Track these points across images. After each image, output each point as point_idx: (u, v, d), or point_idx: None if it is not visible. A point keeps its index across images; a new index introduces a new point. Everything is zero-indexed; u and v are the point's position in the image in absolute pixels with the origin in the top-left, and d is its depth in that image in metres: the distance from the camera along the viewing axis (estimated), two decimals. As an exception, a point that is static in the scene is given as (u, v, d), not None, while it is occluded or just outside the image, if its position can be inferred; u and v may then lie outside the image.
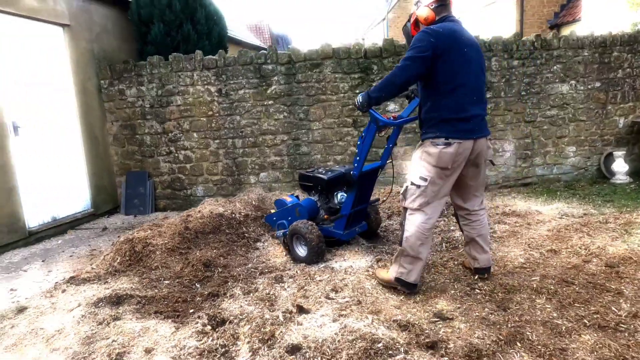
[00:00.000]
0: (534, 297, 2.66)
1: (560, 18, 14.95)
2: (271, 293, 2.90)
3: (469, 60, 2.61)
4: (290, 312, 2.41)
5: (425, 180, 2.62)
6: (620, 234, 3.67)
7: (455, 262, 3.26)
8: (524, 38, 5.76)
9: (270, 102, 5.51)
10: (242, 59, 5.45)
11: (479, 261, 2.93)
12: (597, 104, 6.01)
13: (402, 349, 2.06)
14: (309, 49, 5.40)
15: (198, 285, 3.26)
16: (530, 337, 2.25)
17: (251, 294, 2.92)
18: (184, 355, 2.15)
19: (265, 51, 5.48)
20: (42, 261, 4.25)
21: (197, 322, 2.52)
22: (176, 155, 5.86)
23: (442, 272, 3.13)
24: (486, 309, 2.56)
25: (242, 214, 4.60)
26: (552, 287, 2.74)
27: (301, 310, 2.42)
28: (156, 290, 3.16)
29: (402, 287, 2.76)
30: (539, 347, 2.18)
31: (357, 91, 5.47)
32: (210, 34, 6.38)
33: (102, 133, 6.06)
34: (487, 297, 2.72)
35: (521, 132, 5.87)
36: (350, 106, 5.49)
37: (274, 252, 3.85)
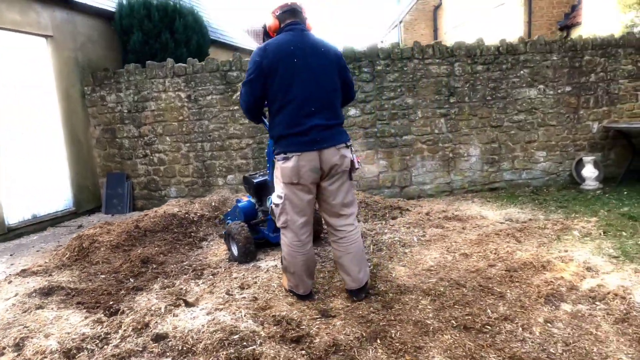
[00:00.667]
0: (420, 298, 2.75)
1: (571, 19, 14.59)
2: (183, 288, 3.10)
3: (304, 71, 2.55)
4: (175, 305, 2.61)
5: (281, 197, 2.63)
6: (550, 240, 3.69)
7: (370, 264, 3.37)
8: (487, 43, 5.76)
9: (235, 107, 5.74)
10: (209, 67, 5.70)
11: (345, 283, 2.79)
12: (568, 108, 5.94)
13: (258, 341, 2.22)
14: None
15: (132, 280, 3.49)
16: (392, 335, 2.35)
17: (166, 289, 3.13)
18: (68, 340, 2.37)
19: (230, 59, 5.71)
20: (11, 255, 4.60)
21: (101, 313, 2.75)
22: (151, 157, 6.17)
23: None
24: (371, 308, 2.68)
25: (198, 214, 4.84)
26: (441, 289, 2.82)
27: (187, 303, 2.61)
28: (89, 284, 3.42)
29: (296, 297, 2.84)
30: (397, 344, 2.28)
31: (318, 97, 5.62)
32: (188, 42, 6.68)
33: (86, 136, 6.45)
34: (378, 297, 2.83)
35: (487, 136, 5.87)
36: (312, 111, 5.65)
37: (214, 251, 4.05)
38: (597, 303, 2.56)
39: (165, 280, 3.34)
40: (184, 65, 5.78)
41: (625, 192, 5.28)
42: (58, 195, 6.05)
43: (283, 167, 2.57)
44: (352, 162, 2.70)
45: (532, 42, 5.77)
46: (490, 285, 2.82)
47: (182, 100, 5.89)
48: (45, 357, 2.23)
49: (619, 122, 5.96)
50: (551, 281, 2.78)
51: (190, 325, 2.33)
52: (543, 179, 6.05)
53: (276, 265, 3.53)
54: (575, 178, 5.96)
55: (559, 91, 5.89)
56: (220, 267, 3.61)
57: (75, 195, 6.25)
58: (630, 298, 2.56)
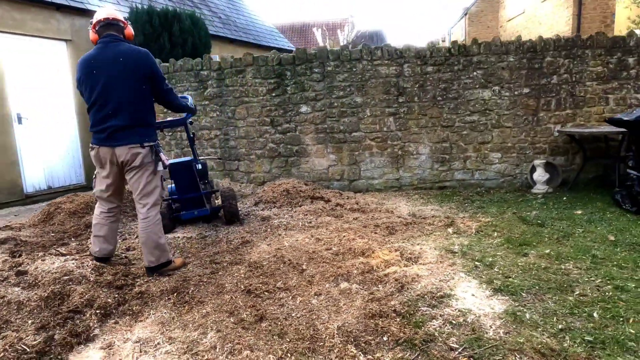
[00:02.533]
0: (243, 268, 3.29)
1: (627, 11, 13.34)
2: (86, 246, 3.94)
3: (100, 81, 3.07)
4: (59, 255, 3.44)
5: (95, 177, 3.39)
6: (419, 235, 3.96)
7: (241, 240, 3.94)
8: (438, 45, 5.89)
9: (206, 102, 6.52)
10: (186, 66, 6.53)
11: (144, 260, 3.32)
12: (527, 110, 5.87)
13: (83, 282, 2.95)
14: (233, 57, 6.28)
15: (72, 239, 4.43)
16: (190, 292, 2.96)
17: (81, 246, 3.99)
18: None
19: (206, 58, 6.49)
20: (15, 215, 5.85)
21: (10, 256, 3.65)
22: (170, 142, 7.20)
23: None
24: (199, 273, 3.28)
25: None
26: (265, 263, 3.33)
27: (62, 254, 3.43)
28: (37, 239, 4.40)
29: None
30: (187, 297, 2.88)
31: (274, 94, 6.19)
32: (184, 44, 7.60)
33: (99, 124, 7.67)
34: (217, 266, 3.42)
35: (437, 136, 6.02)
36: (268, 107, 6.24)
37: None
38: (378, 286, 2.91)
39: (83, 240, 4.21)
40: (166, 64, 6.68)
41: (564, 198, 5.18)
42: (72, 171, 7.34)
43: (91, 154, 3.28)
44: (156, 159, 3.25)
45: (487, 43, 5.79)
46: (302, 262, 3.27)
47: (166, 95, 6.80)
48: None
49: (571, 126, 5.76)
50: (357, 265, 3.16)
51: (47, 268, 3.13)
52: (497, 181, 6.05)
53: (177, 236, 4.24)
54: (529, 181, 5.89)
55: (516, 93, 5.84)
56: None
57: (86, 172, 7.50)
58: (408, 284, 2.86)
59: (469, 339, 2.27)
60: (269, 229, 4.24)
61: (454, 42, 5.88)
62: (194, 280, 3.17)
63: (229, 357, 2.28)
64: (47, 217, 4.99)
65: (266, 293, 2.89)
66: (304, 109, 6.13)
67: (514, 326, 2.38)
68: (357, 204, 5.07)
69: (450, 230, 4.05)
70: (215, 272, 3.30)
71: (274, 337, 2.41)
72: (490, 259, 3.29)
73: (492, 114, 5.92)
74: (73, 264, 3.18)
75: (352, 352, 2.21)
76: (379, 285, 2.90)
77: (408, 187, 6.15)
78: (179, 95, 3.79)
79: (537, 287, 2.80)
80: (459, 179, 6.09)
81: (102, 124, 3.17)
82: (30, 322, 2.56)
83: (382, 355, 2.18)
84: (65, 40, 7.14)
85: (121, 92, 3.13)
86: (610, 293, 2.69)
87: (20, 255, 3.53)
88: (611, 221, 4.13)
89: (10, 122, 6.46)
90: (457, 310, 2.55)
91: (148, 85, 3.22)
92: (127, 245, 4.03)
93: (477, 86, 5.87)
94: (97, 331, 2.59)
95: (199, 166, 4.59)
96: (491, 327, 2.37)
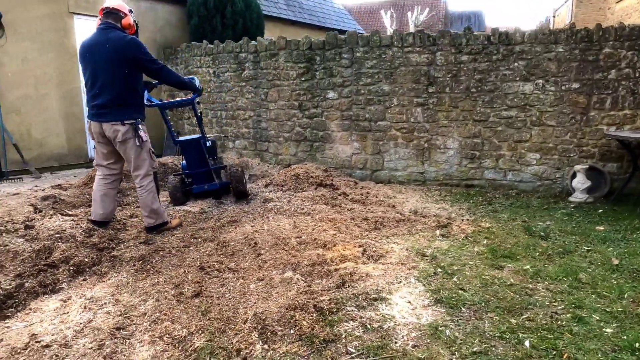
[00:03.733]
0: (213, 245, 3.49)
1: None
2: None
3: (91, 64, 3.54)
4: (64, 215, 3.93)
5: (94, 148, 3.78)
6: (403, 234, 3.83)
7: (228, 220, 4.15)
8: (476, 32, 5.43)
9: (243, 83, 6.78)
10: (227, 48, 6.83)
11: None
12: (575, 108, 5.24)
13: (70, 241, 3.37)
14: (269, 40, 6.40)
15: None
16: (154, 261, 3.23)
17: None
18: (18, 214, 3.90)
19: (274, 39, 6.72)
20: (74, 176, 6.71)
21: (39, 212, 4.25)
22: (190, 120, 7.73)
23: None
24: (174, 245, 3.56)
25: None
26: (232, 243, 3.48)
27: (66, 214, 3.91)
28: (73, 199, 5.05)
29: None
30: (149, 266, 3.17)
31: (303, 78, 6.24)
32: (235, 26, 7.91)
33: (156, 99, 8.37)
34: (193, 240, 3.66)
35: (468, 130, 5.63)
36: (297, 91, 6.31)
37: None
38: (321, 279, 2.92)
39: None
40: (212, 45, 7.04)
41: (599, 210, 4.59)
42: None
43: (88, 127, 3.69)
44: (136, 136, 3.61)
45: (532, 31, 5.21)
46: (265, 247, 3.37)
47: (210, 75, 7.21)
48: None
49: (629, 129, 5.00)
50: (312, 256, 3.17)
51: (49, 225, 3.61)
52: (533, 184, 5.52)
53: (185, 209, 4.59)
54: (569, 188, 5.29)
55: (563, 88, 5.22)
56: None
57: (144, 143, 8.28)
58: (351, 282, 2.83)
59: (372, 345, 2.21)
60: (262, 211, 4.39)
61: (495, 29, 5.38)
62: (164, 251, 3.44)
63: (151, 325, 2.49)
64: (89, 181, 5.66)
65: (216, 272, 3.05)
66: (331, 94, 6.10)
67: (427, 341, 2.26)
68: (364, 195, 5.00)
69: (439, 232, 3.85)
70: (188, 246, 3.54)
71: (198, 313, 2.57)
72: (456, 268, 3.09)
73: (533, 110, 5.37)
74: (69, 224, 3.64)
75: (253, 338, 2.28)
76: (322, 279, 2.90)
77: (432, 182, 5.87)
78: (189, 76, 4.14)
79: (483, 304, 2.59)
80: (489, 178, 5.66)
81: (91, 102, 3.63)
82: (16, 269, 3.02)
83: (279, 347, 2.23)
84: (131, 21, 7.83)
85: (105, 75, 3.54)
86: (564, 323, 2.41)
87: (40, 212, 4.10)
88: (632, 243, 3.59)
89: (80, 95, 7.34)
90: (380, 315, 2.48)
91: (132, 69, 3.61)
92: (131, 212, 4.45)
93: (518, 78, 5.34)
94: (64, 285, 2.97)
95: (209, 143, 4.87)
96: (402, 338, 2.28)
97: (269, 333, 2.34)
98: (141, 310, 2.65)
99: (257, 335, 2.31)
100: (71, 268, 3.09)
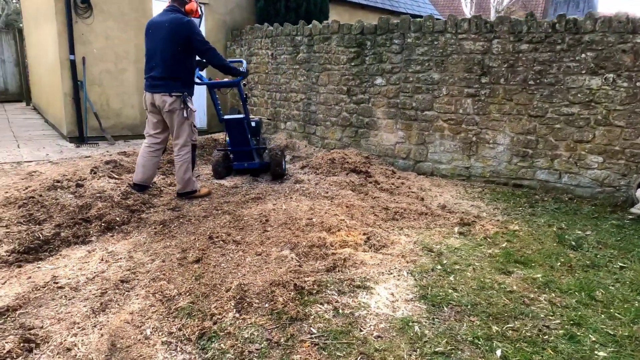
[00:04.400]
0: (226, 217, 3.70)
1: None
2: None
3: (151, 40, 4.00)
4: (110, 177, 4.39)
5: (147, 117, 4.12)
6: (419, 227, 3.74)
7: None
8: (541, 20, 4.95)
9: (297, 66, 6.90)
10: (285, 31, 6.97)
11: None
12: (650, 108, 4.61)
13: (107, 201, 3.79)
14: (324, 24, 6.41)
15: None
16: (184, 219, 3.53)
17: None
18: (72, 174, 4.49)
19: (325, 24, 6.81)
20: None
21: (94, 173, 4.78)
22: (250, 99, 8.08)
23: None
24: (196, 211, 3.84)
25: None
26: (246, 218, 3.66)
27: (113, 177, 4.37)
28: (131, 165, 5.60)
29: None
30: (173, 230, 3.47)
31: (353, 63, 6.18)
32: (298, 9, 8.02)
33: (222, 79, 8.84)
34: (216, 211, 3.91)
35: (522, 126, 5.22)
36: (347, 76, 6.28)
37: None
38: (315, 261, 2.97)
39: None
40: (271, 28, 7.24)
41: (661, 226, 4.04)
42: (197, 118, 8.71)
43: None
44: (183, 108, 3.96)
45: (606, 19, 4.63)
46: (274, 225, 3.49)
47: (268, 57, 7.43)
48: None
49: None
50: (313, 238, 3.23)
51: (95, 186, 4.07)
52: (592, 190, 4.99)
53: (222, 183, 4.89)
54: (633, 197, 4.70)
55: (638, 84, 4.61)
56: (199, 175, 5.22)
57: (209, 120, 8.83)
58: (342, 267, 2.86)
59: (335, 330, 2.24)
60: (288, 191, 4.51)
61: (561, 16, 4.87)
62: (185, 218, 3.72)
63: (150, 282, 2.75)
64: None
65: (222, 242, 3.24)
66: (378, 81, 5.99)
67: (393, 334, 2.23)
68: (396, 185, 4.90)
69: (458, 229, 3.68)
70: (207, 216, 3.78)
71: (192, 277, 2.78)
72: (458, 267, 2.96)
73: (599, 107, 4.81)
74: (112, 186, 4.07)
75: (229, 307, 2.43)
76: (316, 261, 2.96)
77: (478, 178, 5.55)
78: (237, 59, 4.44)
79: (470, 307, 2.48)
80: (541, 179, 5.22)
81: (147, 74, 4.05)
82: (58, 220, 3.48)
83: (249, 318, 2.35)
84: (204, 4, 8.29)
85: (162, 51, 3.96)
86: (552, 338, 2.23)
87: (95, 173, 4.63)
88: (683, 266, 3.14)
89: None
90: (357, 303, 2.49)
91: (185, 47, 3.96)
92: (171, 181, 4.83)
93: (584, 71, 4.81)
94: (93, 238, 3.36)
95: (253, 124, 5.08)
96: (369, 327, 2.28)
97: (245, 304, 2.46)
98: (147, 268, 2.93)
99: (233, 304, 2.44)
100: (102, 224, 3.48)
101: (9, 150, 6.49)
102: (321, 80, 6.58)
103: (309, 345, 2.13)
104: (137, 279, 2.80)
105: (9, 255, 2.98)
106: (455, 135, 5.60)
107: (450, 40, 5.42)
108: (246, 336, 2.20)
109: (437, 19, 5.52)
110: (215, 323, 2.31)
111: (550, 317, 2.41)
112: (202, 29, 8.25)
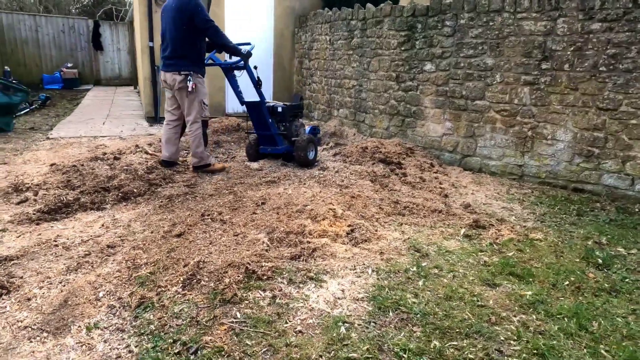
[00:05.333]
0: (226, 194, 3.79)
1: None
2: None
3: (164, 22, 4.29)
4: (143, 152, 4.77)
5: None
6: (423, 225, 3.44)
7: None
8: (618, -9, 4.11)
9: (351, 52, 6.72)
10: (341, 16, 6.82)
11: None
12: None
13: (135, 174, 4.13)
14: (377, 7, 6.12)
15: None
16: (195, 195, 3.73)
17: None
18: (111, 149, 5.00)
19: (352, 9, 6.60)
20: (206, 127, 7.89)
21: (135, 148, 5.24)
22: (310, 86, 8.11)
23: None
24: (209, 189, 4.00)
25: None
26: (249, 202, 3.70)
27: (145, 152, 4.73)
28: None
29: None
30: (198, 199, 3.68)
31: (403, 48, 5.82)
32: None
33: (290, 65, 9.01)
34: (224, 191, 4.04)
35: (588, 120, 4.44)
36: (396, 62, 5.93)
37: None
38: (285, 248, 2.91)
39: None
40: (330, 13, 7.13)
41: None
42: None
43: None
44: (189, 85, 4.16)
45: None
46: (266, 209, 3.48)
47: (326, 42, 7.36)
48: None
49: None
50: (294, 225, 3.13)
51: (127, 160, 4.46)
52: (674, 202, 4.08)
53: (250, 165, 5.03)
54: None
55: None
56: (238, 154, 5.44)
57: (274, 105, 9.08)
58: (309, 257, 2.76)
59: (260, 318, 2.18)
60: (305, 178, 4.45)
61: (646, -13, 3.98)
62: (192, 195, 3.90)
63: (130, 250, 2.95)
64: (212, 132, 6.60)
65: (210, 220, 3.34)
66: (428, 66, 5.56)
67: (316, 332, 2.09)
68: (425, 179, 4.54)
69: (465, 231, 3.29)
70: (213, 195, 3.92)
71: (166, 250, 2.91)
72: (436, 272, 2.65)
73: (691, 100, 3.88)
74: (139, 160, 4.42)
75: (177, 281, 2.50)
76: (286, 247, 2.89)
77: (532, 178, 4.88)
78: (245, 42, 4.50)
79: (420, 316, 2.21)
80: (608, 184, 4.41)
81: (162, 54, 4.33)
82: (85, 187, 3.89)
83: (189, 294, 2.39)
84: (273, -9, 8.50)
85: (171, 33, 4.19)
86: (498, 365, 1.89)
87: (137, 148, 5.06)
88: None
89: (224, 57, 8.44)
90: (299, 294, 2.38)
91: (191, 26, 4.14)
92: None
93: (672, 55, 3.91)
94: (108, 206, 3.70)
95: (279, 109, 5.07)
96: (295, 321, 2.17)
97: (194, 280, 2.51)
98: (136, 237, 3.14)
99: (182, 279, 2.50)
100: (120, 194, 3.81)
101: (94, 126, 7.42)
102: (372, 67, 6.33)
103: (225, 329, 2.10)
104: (122, 246, 3.01)
105: (34, 214, 3.42)
106: (508, 129, 4.98)
107: (508, 20, 4.79)
108: (176, 311, 2.24)
109: (494, -3, 4.90)
110: (157, 294, 2.39)
111: (512, 342, 2.04)
112: (271, 17, 8.46)
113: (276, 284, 2.46)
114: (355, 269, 2.64)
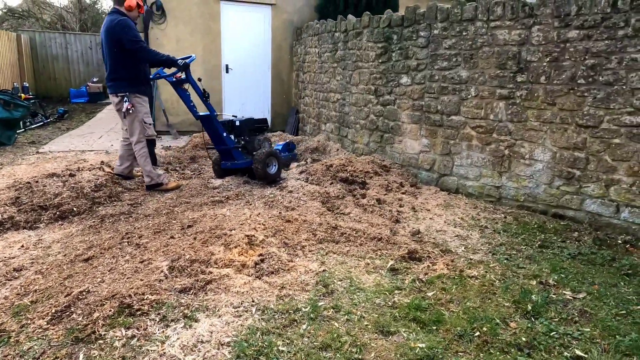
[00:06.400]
0: (188, 210, 3.66)
1: None
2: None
3: (103, 44, 4.09)
4: (100, 169, 4.75)
5: None
6: (354, 254, 3.14)
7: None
8: (595, -6, 3.65)
9: (335, 64, 6.49)
10: (327, 28, 6.62)
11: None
12: None
13: (80, 192, 4.10)
14: (357, 18, 5.87)
15: (171, 165, 5.85)
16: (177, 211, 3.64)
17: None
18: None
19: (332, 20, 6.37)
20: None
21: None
22: (302, 100, 7.94)
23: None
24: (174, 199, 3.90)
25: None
26: (171, 220, 3.56)
27: (102, 169, 4.71)
28: (165, 159, 6.02)
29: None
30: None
31: (380, 60, 5.52)
32: (358, 4, 7.54)
33: (288, 78, 8.89)
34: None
35: (567, 138, 3.97)
36: (375, 74, 5.64)
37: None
38: (180, 277, 2.72)
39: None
40: (317, 25, 6.95)
41: None
42: (261, 116, 8.94)
43: None
44: (127, 107, 4.08)
45: (694, -13, 3.18)
46: (187, 232, 3.31)
47: (316, 55, 7.17)
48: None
49: None
50: (202, 253, 2.95)
51: (83, 176, 4.45)
52: (664, 234, 3.53)
53: (209, 179, 4.92)
54: None
55: None
56: (205, 166, 5.35)
57: (273, 118, 8.98)
58: (199, 289, 2.56)
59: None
60: (256, 197, 4.26)
61: (626, -11, 3.51)
62: (130, 214, 3.80)
63: (33, 274, 2.87)
64: (189, 146, 6.59)
65: (126, 244, 3.21)
66: (404, 79, 5.23)
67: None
68: (385, 201, 4.21)
69: (393, 265, 2.95)
70: (148, 216, 3.80)
71: (64, 276, 2.80)
72: (329, 314, 2.37)
73: (680, 117, 3.36)
74: (90, 177, 4.39)
75: (48, 313, 2.36)
76: (184, 278, 2.69)
77: (510, 201, 4.42)
78: (186, 56, 4.37)
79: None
80: (590, 210, 3.90)
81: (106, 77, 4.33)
82: (26, 204, 3.89)
83: (54, 329, 2.25)
84: (270, 5, 8.45)
85: (106, 54, 4.18)
86: None
87: (105, 165, 5.07)
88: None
89: (221, 71, 8.47)
90: (161, 335, 2.18)
91: (120, 49, 4.12)
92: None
93: (658, 66, 3.40)
94: (42, 225, 3.67)
95: (237, 123, 4.92)
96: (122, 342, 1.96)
97: (66, 314, 2.37)
98: (48, 260, 3.06)
99: (54, 311, 2.37)
100: (57, 213, 3.78)
101: (89, 140, 7.60)
102: (353, 80, 6.07)
103: (57, 373, 1.93)
104: (29, 269, 2.94)
105: (-34, 231, 3.43)
106: (485, 146, 4.56)
107: (481, 29, 4.41)
108: (25, 349, 2.10)
109: (468, 4, 4.53)
110: (21, 327, 2.27)
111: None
112: (269, 30, 8.40)
113: (144, 322, 2.27)
114: (239, 306, 2.41)
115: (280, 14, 8.50)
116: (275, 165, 4.87)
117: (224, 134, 4.74)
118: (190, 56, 4.53)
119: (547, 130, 4.08)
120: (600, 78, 3.70)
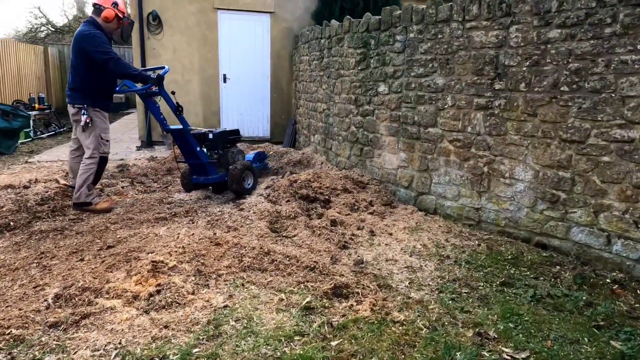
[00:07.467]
0: (96, 232, 3.42)
1: None
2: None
3: (71, 52, 4.00)
4: (55, 181, 4.60)
5: None
6: (274, 287, 2.76)
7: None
8: (578, -13, 3.10)
9: (321, 72, 6.13)
10: (315, 34, 6.29)
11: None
12: None
13: (23, 206, 3.96)
14: (340, 23, 5.50)
15: (146, 178, 5.67)
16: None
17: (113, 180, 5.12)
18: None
19: (319, 27, 6.03)
20: (191, 152, 7.73)
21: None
22: (298, 109, 7.63)
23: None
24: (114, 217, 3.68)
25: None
26: (96, 240, 3.31)
27: (56, 182, 4.56)
28: (143, 170, 5.87)
29: None
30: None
31: (360, 67, 5.11)
32: (354, 10, 7.17)
33: (288, 87, 8.62)
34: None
35: (550, 155, 3.41)
36: (355, 83, 5.23)
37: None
38: (62, 307, 2.44)
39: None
40: (307, 32, 6.64)
41: None
42: (259, 125, 8.75)
43: None
44: (85, 120, 3.82)
45: (694, -27, 2.59)
46: (101, 254, 3.04)
47: (306, 63, 6.85)
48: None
49: None
50: (96, 280, 2.67)
51: (34, 189, 4.32)
52: (663, 273, 2.90)
53: (180, 197, 4.68)
54: None
55: None
56: (173, 183, 5.12)
57: (272, 129, 8.74)
58: (78, 322, 2.27)
59: None
60: (203, 216, 3.96)
61: (612, -21, 2.94)
62: (65, 231, 3.60)
63: None
64: (172, 159, 6.42)
65: (35, 264, 2.99)
66: (382, 87, 4.80)
67: None
68: (342, 222, 3.79)
69: (313, 301, 2.54)
70: (80, 233, 3.58)
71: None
72: (205, 354, 2.00)
73: (680, 131, 2.74)
74: (41, 191, 4.25)
75: None
76: (67, 308, 2.42)
77: (490, 225, 3.87)
78: (160, 67, 4.18)
79: None
80: (578, 240, 3.30)
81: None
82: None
83: None
84: (269, 13, 8.24)
85: (71, 64, 4.10)
86: None
87: (65, 176, 4.95)
88: None
89: (218, 81, 8.33)
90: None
91: (84, 61, 3.96)
92: (117, 190, 4.79)
93: (652, 69, 2.81)
94: (-24, 240, 3.53)
95: (210, 136, 4.69)
96: None
97: None
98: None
99: None
100: (-3, 227, 3.63)
101: (84, 150, 7.61)
102: (336, 89, 5.69)
103: None
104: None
105: None
106: (463, 162, 4.04)
107: (457, 31, 3.93)
108: None
109: (444, 3, 4.06)
110: None
111: None
112: (267, 38, 8.19)
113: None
114: (99, 349, 2.08)
115: (279, 22, 8.27)
116: (250, 179, 4.67)
117: (197, 149, 4.50)
118: (164, 67, 4.35)
119: (529, 145, 3.52)
120: (586, 84, 3.13)
